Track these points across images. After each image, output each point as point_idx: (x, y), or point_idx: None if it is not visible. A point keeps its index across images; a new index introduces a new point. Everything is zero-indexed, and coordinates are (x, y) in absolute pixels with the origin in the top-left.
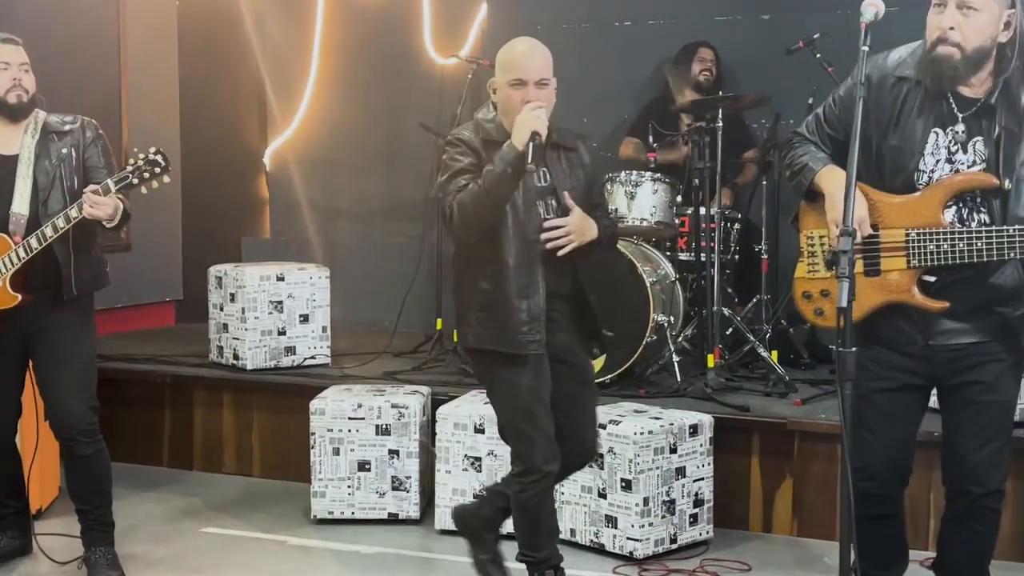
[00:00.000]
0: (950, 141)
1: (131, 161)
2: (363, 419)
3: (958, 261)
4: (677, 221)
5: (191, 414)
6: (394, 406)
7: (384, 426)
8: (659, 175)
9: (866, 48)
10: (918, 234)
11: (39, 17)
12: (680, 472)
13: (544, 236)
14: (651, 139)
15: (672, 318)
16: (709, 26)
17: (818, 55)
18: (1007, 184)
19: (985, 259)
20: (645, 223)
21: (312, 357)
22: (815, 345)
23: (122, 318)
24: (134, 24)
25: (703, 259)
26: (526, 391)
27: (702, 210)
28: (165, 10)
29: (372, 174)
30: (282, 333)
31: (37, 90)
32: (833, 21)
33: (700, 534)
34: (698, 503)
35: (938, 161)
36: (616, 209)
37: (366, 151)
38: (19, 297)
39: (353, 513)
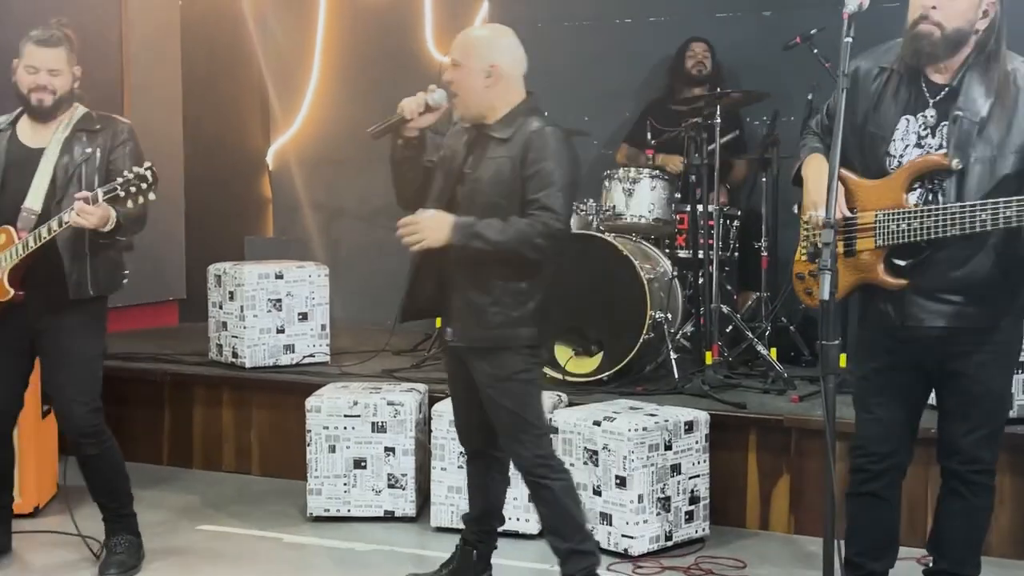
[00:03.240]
0: (920, 126)
1: (124, 174)
2: (359, 416)
3: (918, 238)
4: (676, 218)
5: (190, 412)
6: (390, 403)
7: (380, 423)
8: (657, 172)
9: (849, 39)
10: (884, 215)
11: (38, 17)
12: (675, 469)
13: (399, 230)
14: (649, 136)
15: (670, 315)
16: (710, 23)
17: (815, 50)
18: (954, 163)
19: (940, 234)
20: (643, 220)
21: (311, 355)
22: (815, 342)
23: (125, 317)
24: (136, 24)
25: (701, 256)
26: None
27: (699, 207)
28: (167, 10)
29: (374, 173)
30: (281, 331)
31: (76, 88)
32: (834, 17)
33: (696, 531)
34: (694, 500)
35: (907, 146)
36: (614, 206)
37: (368, 150)
38: (12, 292)
39: (349, 511)
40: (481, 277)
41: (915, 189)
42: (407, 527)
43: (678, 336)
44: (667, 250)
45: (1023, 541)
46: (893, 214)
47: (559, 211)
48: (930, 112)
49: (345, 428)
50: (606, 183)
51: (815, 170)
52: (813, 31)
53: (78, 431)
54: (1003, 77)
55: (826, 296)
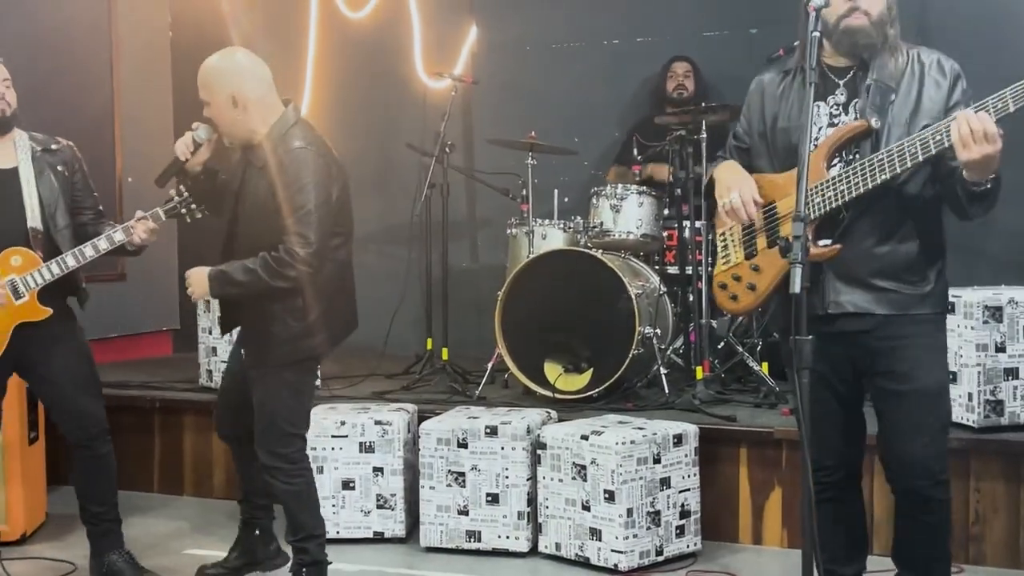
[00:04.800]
0: (832, 107)
1: (174, 194)
2: (346, 436)
3: (844, 200)
4: (664, 234)
5: (181, 439)
6: (377, 423)
7: (368, 443)
8: (644, 188)
9: (816, 34)
10: (808, 192)
11: (29, 45)
12: (665, 483)
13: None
14: (635, 152)
15: (659, 331)
16: (697, 42)
17: None
18: (874, 121)
19: (866, 187)
20: (631, 236)
21: None
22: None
23: (119, 348)
24: (126, 52)
25: (689, 272)
26: None
27: (687, 222)
28: (157, 38)
29: (365, 198)
30: None
31: (17, 107)
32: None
33: (687, 546)
34: (684, 514)
35: (820, 128)
36: (602, 223)
37: (359, 176)
38: (49, 311)
39: (338, 532)
40: (258, 305)
41: (835, 164)
42: (396, 548)
43: (668, 352)
44: (656, 266)
45: (1017, 550)
46: (816, 187)
47: (308, 235)
48: (840, 91)
49: (333, 449)
50: (594, 200)
51: (725, 168)
52: (796, 43)
53: (99, 427)
54: (909, 58)
55: (798, 289)
